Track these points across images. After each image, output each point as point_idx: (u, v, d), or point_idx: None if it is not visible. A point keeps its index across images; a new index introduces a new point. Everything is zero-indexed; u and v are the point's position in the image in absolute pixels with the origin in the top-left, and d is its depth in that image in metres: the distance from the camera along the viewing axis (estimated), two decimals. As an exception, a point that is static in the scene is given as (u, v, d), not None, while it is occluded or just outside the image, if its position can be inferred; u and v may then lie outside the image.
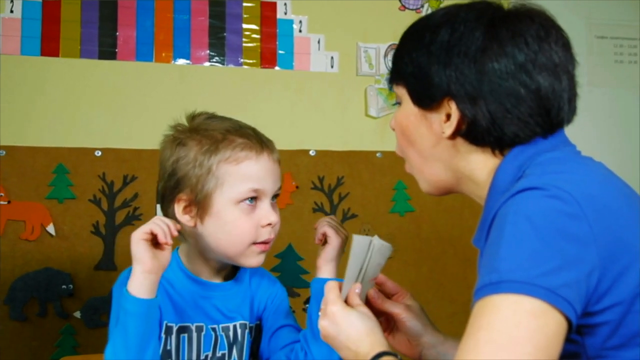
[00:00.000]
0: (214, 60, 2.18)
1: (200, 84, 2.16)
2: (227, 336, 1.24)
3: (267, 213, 1.21)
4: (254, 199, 1.20)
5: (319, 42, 2.26)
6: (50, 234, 2.01)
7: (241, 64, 2.20)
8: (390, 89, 1.11)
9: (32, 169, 2.01)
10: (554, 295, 0.78)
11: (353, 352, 0.99)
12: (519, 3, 1.00)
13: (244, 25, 2.20)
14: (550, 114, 0.96)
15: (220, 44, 2.18)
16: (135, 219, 2.07)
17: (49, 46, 2.04)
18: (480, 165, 1.00)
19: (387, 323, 1.19)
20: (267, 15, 2.22)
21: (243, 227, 1.19)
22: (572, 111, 1.00)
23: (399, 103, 1.07)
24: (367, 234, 1.04)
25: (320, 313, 1.06)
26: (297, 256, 2.19)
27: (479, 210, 0.99)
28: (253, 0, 2.21)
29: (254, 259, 1.22)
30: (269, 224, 1.21)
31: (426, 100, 1.00)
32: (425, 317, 1.19)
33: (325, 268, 1.27)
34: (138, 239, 1.09)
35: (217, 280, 1.28)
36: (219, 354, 1.23)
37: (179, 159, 1.20)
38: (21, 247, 1.99)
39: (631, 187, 0.95)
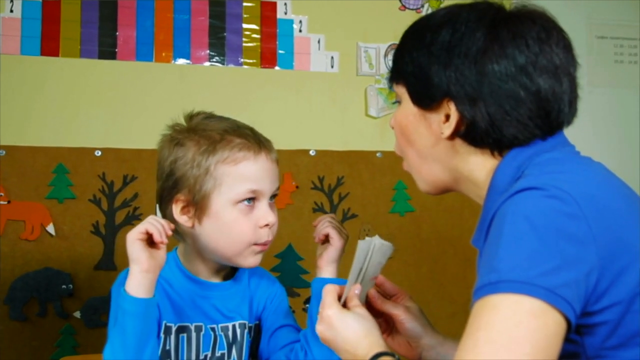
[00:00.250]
0: (214, 60, 2.18)
1: (200, 83, 2.16)
2: (226, 336, 1.24)
3: (265, 214, 1.20)
4: (252, 199, 1.20)
5: (319, 42, 2.26)
6: (50, 234, 2.01)
7: (241, 64, 2.20)
8: (390, 88, 1.10)
9: (32, 168, 2.01)
10: (553, 295, 0.78)
11: (351, 354, 0.99)
12: (521, 4, 1.00)
13: (244, 25, 2.20)
14: (550, 116, 0.96)
15: (220, 43, 2.18)
16: (135, 219, 2.07)
17: (49, 46, 2.04)
18: (479, 166, 0.99)
19: (386, 324, 1.19)
20: (267, 15, 2.22)
21: (242, 227, 1.19)
22: (573, 113, 1.00)
23: (398, 102, 1.07)
24: (367, 234, 1.04)
25: (318, 317, 1.06)
26: (297, 256, 2.19)
27: (479, 210, 0.99)
28: (253, 0, 2.21)
29: (251, 260, 1.22)
30: (267, 225, 1.21)
31: (426, 100, 1.00)
32: (425, 318, 1.19)
33: (326, 269, 1.27)
34: (133, 239, 1.09)
35: (216, 280, 1.28)
36: (218, 353, 1.23)
37: (177, 159, 1.19)
38: (21, 247, 1.99)
39: (630, 187, 0.95)
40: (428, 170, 1.05)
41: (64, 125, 2.05)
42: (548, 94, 0.95)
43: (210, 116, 1.25)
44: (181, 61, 2.15)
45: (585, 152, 1.00)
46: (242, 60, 2.20)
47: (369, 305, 1.13)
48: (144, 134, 2.07)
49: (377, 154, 2.30)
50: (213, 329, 1.24)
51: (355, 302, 1.05)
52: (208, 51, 2.17)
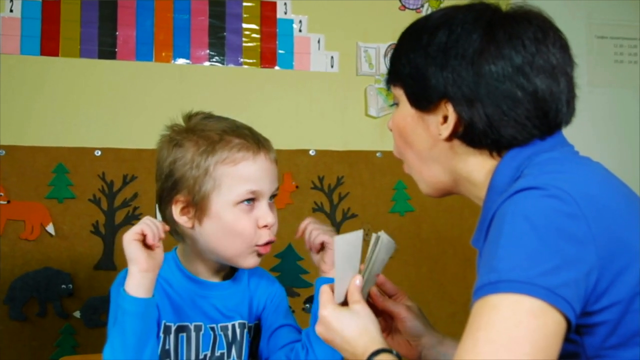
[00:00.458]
0: (214, 60, 2.18)
1: (200, 83, 2.16)
2: (226, 335, 1.24)
3: (264, 214, 1.21)
4: (251, 200, 1.20)
5: (319, 41, 2.26)
6: (50, 234, 2.01)
7: (241, 64, 2.20)
8: (388, 89, 1.10)
9: (32, 168, 2.01)
10: (553, 294, 0.78)
11: (351, 353, 0.99)
12: (517, 5, 1.00)
13: (244, 25, 2.20)
14: (548, 116, 0.96)
15: (220, 43, 2.18)
16: (135, 219, 2.07)
17: (49, 46, 2.04)
18: (478, 167, 0.99)
19: (386, 323, 1.18)
20: (267, 15, 2.22)
21: (243, 228, 1.19)
22: (571, 113, 1.00)
23: (396, 104, 1.07)
24: (367, 234, 1.04)
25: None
26: (297, 256, 2.19)
27: (479, 210, 0.99)
28: (253, 0, 2.21)
29: (251, 260, 1.22)
30: (266, 226, 1.21)
31: (423, 102, 1.00)
32: (424, 317, 1.19)
33: (332, 272, 1.27)
34: (130, 239, 1.09)
35: (215, 280, 1.28)
36: (217, 353, 1.23)
37: (176, 160, 1.19)
38: (21, 247, 1.99)
39: (629, 187, 0.95)
40: (428, 172, 1.05)
41: (64, 125, 2.05)
42: (545, 94, 0.95)
43: (208, 116, 1.25)
44: (181, 61, 2.15)
45: (585, 152, 1.00)
46: (242, 60, 2.20)
47: (370, 303, 1.12)
48: (143, 133, 2.07)
49: (377, 154, 2.30)
50: (212, 329, 1.24)
51: (355, 298, 1.03)
52: (208, 51, 2.17)
